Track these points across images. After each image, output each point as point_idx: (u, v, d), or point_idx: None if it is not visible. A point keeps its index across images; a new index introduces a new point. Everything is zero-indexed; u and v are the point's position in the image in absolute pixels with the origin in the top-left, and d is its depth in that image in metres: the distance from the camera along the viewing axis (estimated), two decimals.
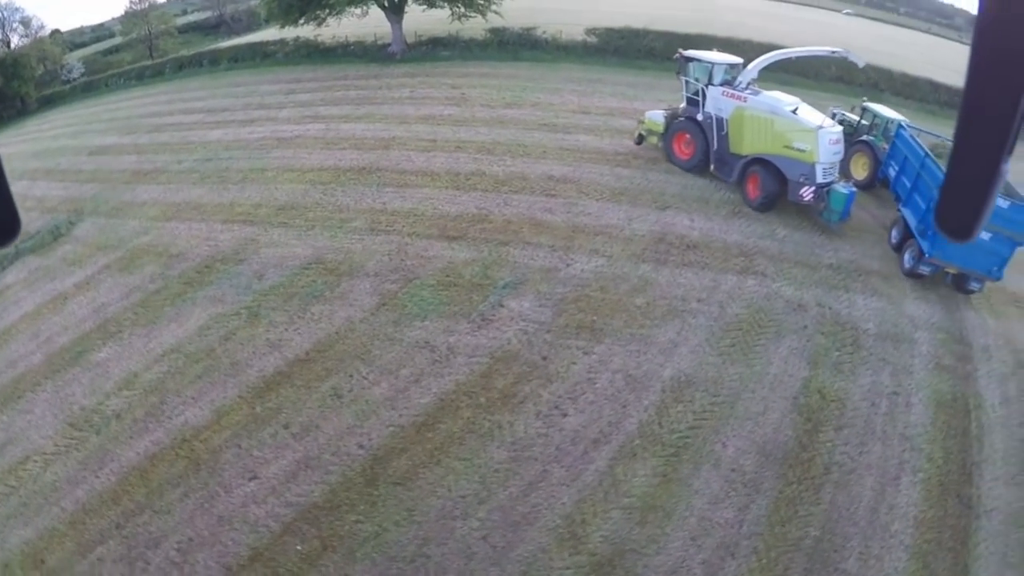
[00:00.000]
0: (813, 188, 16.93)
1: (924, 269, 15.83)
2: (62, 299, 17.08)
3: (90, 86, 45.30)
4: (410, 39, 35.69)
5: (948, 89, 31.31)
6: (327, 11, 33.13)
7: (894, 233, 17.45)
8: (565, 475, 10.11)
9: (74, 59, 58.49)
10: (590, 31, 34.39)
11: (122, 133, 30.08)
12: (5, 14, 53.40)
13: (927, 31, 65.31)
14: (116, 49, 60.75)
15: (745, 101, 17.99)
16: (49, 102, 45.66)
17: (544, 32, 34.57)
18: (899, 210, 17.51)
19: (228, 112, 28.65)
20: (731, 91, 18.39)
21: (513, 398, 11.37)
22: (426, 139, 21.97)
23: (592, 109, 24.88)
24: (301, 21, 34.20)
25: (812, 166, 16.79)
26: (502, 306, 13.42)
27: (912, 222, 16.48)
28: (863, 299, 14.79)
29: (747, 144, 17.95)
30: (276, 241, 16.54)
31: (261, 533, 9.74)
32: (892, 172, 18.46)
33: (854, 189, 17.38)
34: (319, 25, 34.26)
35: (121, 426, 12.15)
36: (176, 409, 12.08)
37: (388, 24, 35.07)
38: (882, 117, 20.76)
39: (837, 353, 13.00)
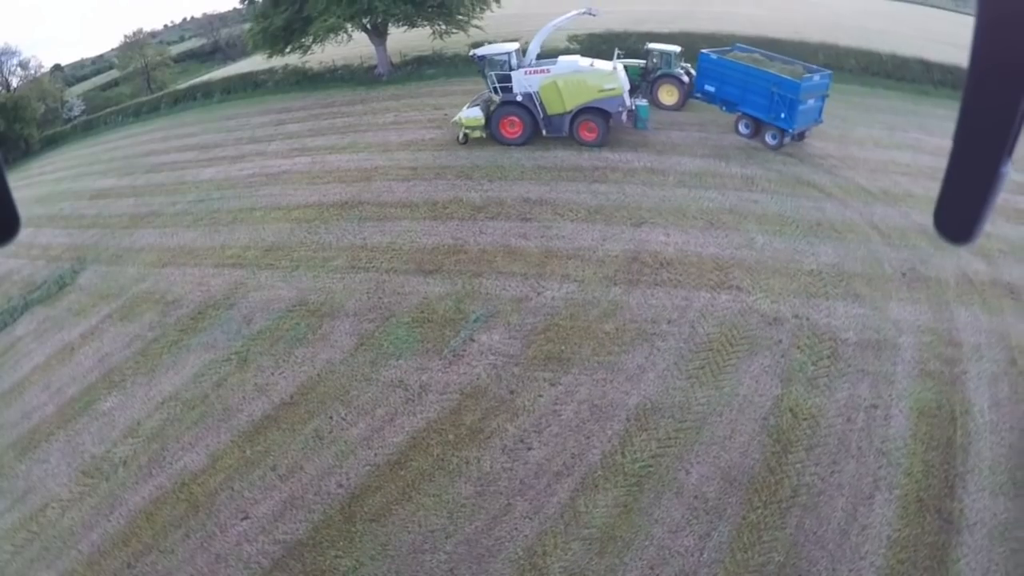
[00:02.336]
0: (625, 111, 22.45)
1: (787, 140, 22.66)
2: (69, 350, 18.18)
3: (90, 125, 46.65)
4: (396, 59, 36.49)
5: (941, 67, 31.43)
6: (311, 39, 34.00)
7: (742, 127, 23.72)
8: (528, 508, 10.77)
9: (74, 94, 60.08)
10: (572, 37, 34.96)
11: (120, 175, 31.23)
12: (3, 59, 54.80)
13: (922, 2, 64.95)
14: (115, 83, 62.27)
15: (549, 72, 22.44)
16: (52, 142, 47.11)
17: (526, 42, 35.23)
18: (737, 111, 23.71)
19: (220, 148, 29.70)
20: (532, 69, 22.66)
21: (480, 433, 12.05)
22: (407, 167, 22.75)
23: None
24: (287, 50, 35.16)
25: (622, 97, 22.14)
26: (473, 340, 14.06)
27: (762, 115, 22.71)
28: (844, 306, 14.75)
29: (568, 101, 22.37)
30: (263, 284, 17.47)
31: (253, 570, 10.72)
32: (712, 88, 24.29)
33: (646, 101, 23.92)
34: (304, 54, 35.23)
35: (128, 473, 13.20)
36: (176, 455, 13.09)
37: (373, 46, 36.02)
38: (666, 52, 26.56)
39: (813, 367, 13.01)
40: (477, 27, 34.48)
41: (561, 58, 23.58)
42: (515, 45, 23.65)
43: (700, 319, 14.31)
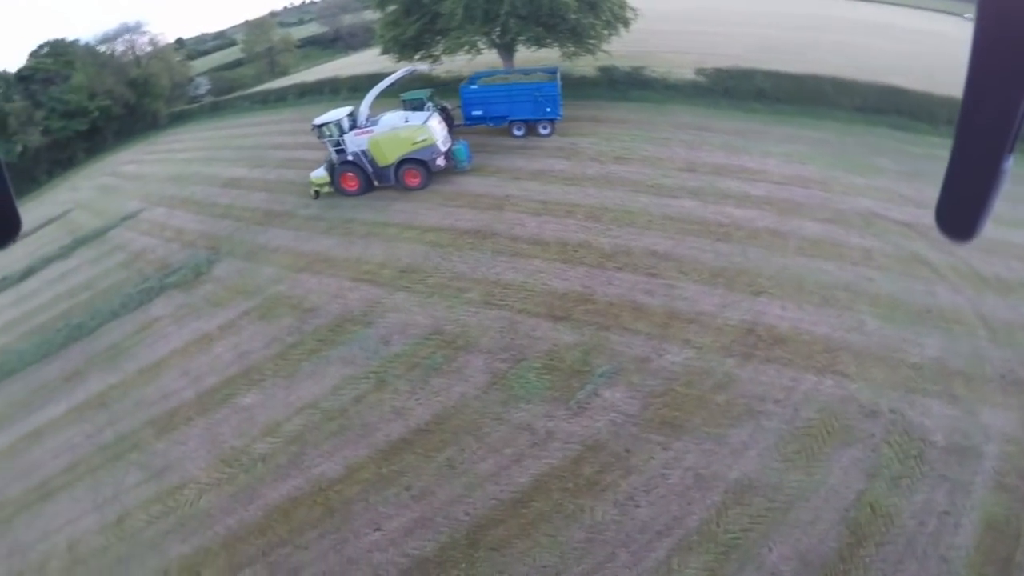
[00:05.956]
0: (441, 156, 27.43)
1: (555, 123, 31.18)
2: (208, 340, 20.65)
3: (216, 107, 50.95)
4: None
5: None
6: (441, 50, 36.82)
7: (515, 131, 31.51)
8: (630, 559, 12.16)
9: (197, 69, 65.39)
10: (699, 71, 36.22)
11: (251, 165, 34.35)
12: (134, 36, 60.36)
13: None
14: (238, 63, 67.33)
15: (372, 132, 27.43)
16: (178, 119, 51.79)
17: (653, 72, 36.71)
18: (507, 122, 31.37)
19: None
20: (359, 130, 27.73)
21: (596, 485, 13.48)
22: (538, 199, 24.61)
23: (699, 166, 26.73)
24: (416, 57, 37.87)
25: (434, 145, 27.16)
26: (597, 395, 15.47)
27: (533, 116, 30.95)
28: (939, 406, 15.25)
29: (390, 155, 27.42)
30: (399, 306, 19.53)
31: None
32: (479, 112, 31.58)
33: (465, 142, 28.67)
34: (433, 63, 37.82)
35: (266, 469, 15.24)
36: (314, 461, 15.04)
37: (500, 61, 38.41)
38: (421, 93, 33.04)
39: (899, 466, 13.71)
40: (605, 52, 35.81)
41: (384, 116, 28.50)
42: (347, 110, 29.03)
43: (804, 403, 15.18)
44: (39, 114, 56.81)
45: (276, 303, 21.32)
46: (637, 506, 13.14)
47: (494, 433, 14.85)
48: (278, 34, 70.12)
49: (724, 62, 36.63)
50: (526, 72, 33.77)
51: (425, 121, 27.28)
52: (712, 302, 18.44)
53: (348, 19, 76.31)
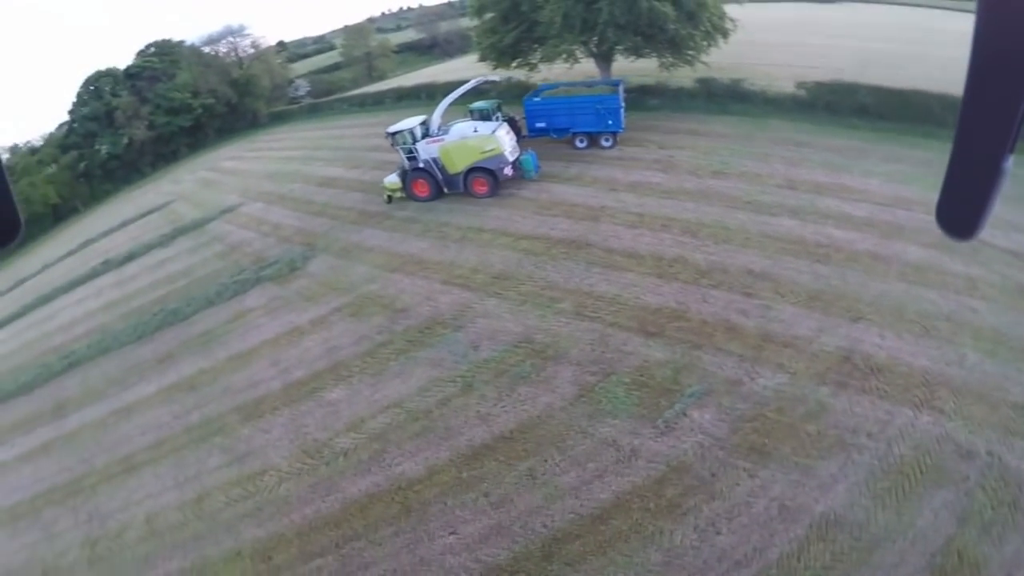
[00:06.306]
0: (509, 166, 28.13)
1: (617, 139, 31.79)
2: (298, 333, 21.35)
3: (315, 108, 52.83)
4: None
5: None
6: (539, 57, 37.40)
7: (578, 143, 32.23)
8: None
9: (297, 71, 68.25)
10: (800, 84, 35.07)
11: (348, 166, 35.44)
12: (236, 39, 63.70)
13: None
14: (337, 66, 69.98)
15: (443, 141, 28.55)
16: (278, 118, 53.99)
17: (752, 84, 35.86)
18: (570, 134, 32.11)
19: None
20: (431, 139, 28.93)
21: (678, 508, 13.18)
22: (633, 212, 24.38)
23: (798, 183, 25.87)
24: (513, 65, 38.58)
25: (502, 155, 27.88)
26: (686, 415, 15.12)
27: (595, 128, 31.56)
28: None
29: (459, 163, 28.44)
30: (490, 312, 19.70)
31: None
32: (542, 124, 32.45)
33: (533, 152, 29.53)
34: (531, 70, 38.35)
35: (347, 463, 15.63)
36: (395, 459, 15.31)
37: (597, 70, 38.45)
38: (488, 104, 33.60)
39: (991, 513, 12.90)
40: (703, 63, 35.28)
41: (454, 126, 29.43)
42: (419, 119, 30.25)
43: (898, 438, 14.44)
44: (145, 109, 61.07)
45: (368, 301, 21.87)
46: (718, 533, 12.79)
47: (578, 446, 14.74)
48: (376, 39, 73.18)
49: (825, 76, 35.31)
50: (589, 85, 34.99)
51: (494, 131, 28.13)
52: (808, 326, 17.79)
53: (445, 26, 78.80)
